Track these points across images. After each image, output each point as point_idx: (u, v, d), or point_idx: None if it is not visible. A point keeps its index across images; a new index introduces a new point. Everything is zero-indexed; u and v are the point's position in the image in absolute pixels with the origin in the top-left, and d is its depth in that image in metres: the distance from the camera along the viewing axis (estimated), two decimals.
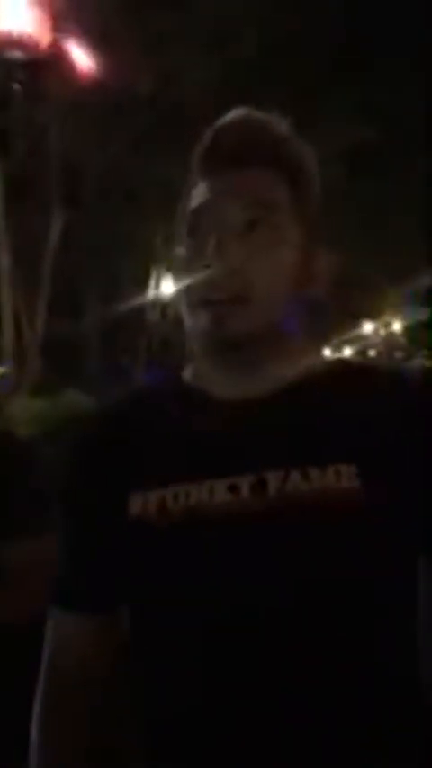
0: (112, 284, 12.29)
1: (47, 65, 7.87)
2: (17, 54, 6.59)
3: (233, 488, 0.83)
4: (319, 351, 1.02)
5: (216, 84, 9.07)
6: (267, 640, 0.79)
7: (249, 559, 0.80)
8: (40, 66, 7.72)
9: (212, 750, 0.80)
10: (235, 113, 0.92)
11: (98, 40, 8.45)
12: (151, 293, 12.28)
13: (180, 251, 0.91)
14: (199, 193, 0.90)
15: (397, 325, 24.65)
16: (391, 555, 0.81)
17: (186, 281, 0.88)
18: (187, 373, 0.97)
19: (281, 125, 0.93)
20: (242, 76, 9.77)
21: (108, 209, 11.12)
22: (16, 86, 7.57)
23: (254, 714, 0.79)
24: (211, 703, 0.80)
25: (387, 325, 25.07)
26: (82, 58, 8.30)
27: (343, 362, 1.00)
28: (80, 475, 0.95)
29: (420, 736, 0.84)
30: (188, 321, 0.90)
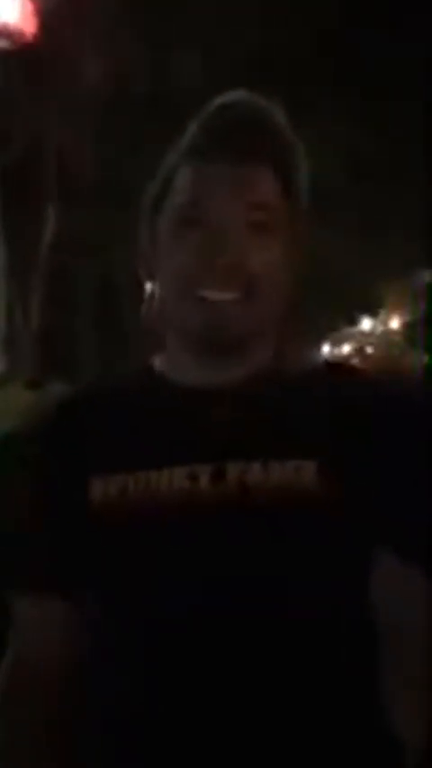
0: (108, 277, 12.24)
1: (38, 57, 7.83)
2: (1, 44, 6.53)
3: (193, 476, 0.84)
4: (297, 345, 0.99)
5: (214, 84, 9.01)
6: (216, 628, 0.80)
7: (202, 546, 0.82)
8: (32, 59, 7.67)
9: (156, 743, 0.81)
10: (238, 96, 0.89)
11: (95, 36, 8.39)
12: (149, 286, 12.24)
13: (167, 241, 0.88)
14: (191, 181, 0.87)
15: (395, 323, 24.59)
16: (343, 549, 0.83)
17: (179, 275, 0.86)
18: (157, 362, 0.95)
19: (280, 114, 0.90)
20: (242, 78, 9.70)
21: (104, 203, 11.07)
22: None
23: (201, 708, 0.79)
24: (156, 695, 0.81)
25: (385, 322, 25.02)
26: (74, 51, 8.25)
27: (324, 362, 1.02)
28: (40, 461, 0.94)
29: (377, 733, 0.84)
30: (174, 315, 0.89)
